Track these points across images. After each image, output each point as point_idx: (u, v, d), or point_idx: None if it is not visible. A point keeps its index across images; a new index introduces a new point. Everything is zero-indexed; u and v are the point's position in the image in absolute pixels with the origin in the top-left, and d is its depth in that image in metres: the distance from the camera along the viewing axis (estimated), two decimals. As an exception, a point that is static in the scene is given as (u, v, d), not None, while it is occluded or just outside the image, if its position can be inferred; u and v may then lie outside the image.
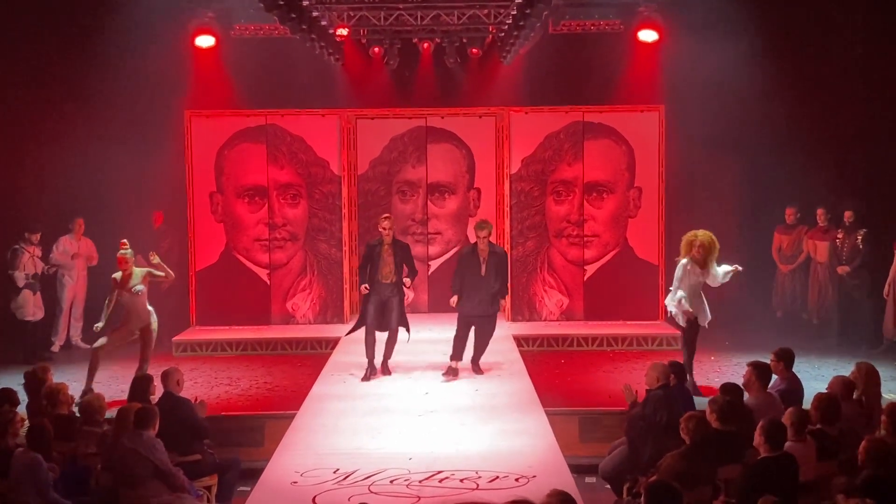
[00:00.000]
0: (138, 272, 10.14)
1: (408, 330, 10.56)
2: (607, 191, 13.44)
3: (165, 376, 8.05)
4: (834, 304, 12.75)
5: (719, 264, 10.09)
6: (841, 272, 12.54)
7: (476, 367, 10.54)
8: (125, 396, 8.53)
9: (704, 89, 13.37)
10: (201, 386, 10.63)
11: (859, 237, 12.43)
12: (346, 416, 8.89)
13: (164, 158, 13.57)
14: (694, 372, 10.17)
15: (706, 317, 10.15)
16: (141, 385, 8.07)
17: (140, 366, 10.18)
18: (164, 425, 7.24)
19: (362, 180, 14.11)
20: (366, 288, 10.39)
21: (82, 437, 7.48)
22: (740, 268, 10.13)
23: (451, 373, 10.32)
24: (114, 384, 10.64)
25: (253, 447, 9.05)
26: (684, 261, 10.07)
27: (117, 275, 10.13)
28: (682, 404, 7.68)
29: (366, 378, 10.29)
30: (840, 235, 12.59)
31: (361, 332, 10.54)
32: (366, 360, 10.45)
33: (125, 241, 10.27)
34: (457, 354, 10.42)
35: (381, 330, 10.48)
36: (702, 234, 10.05)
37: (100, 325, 10.18)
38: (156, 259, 10.28)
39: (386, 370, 10.50)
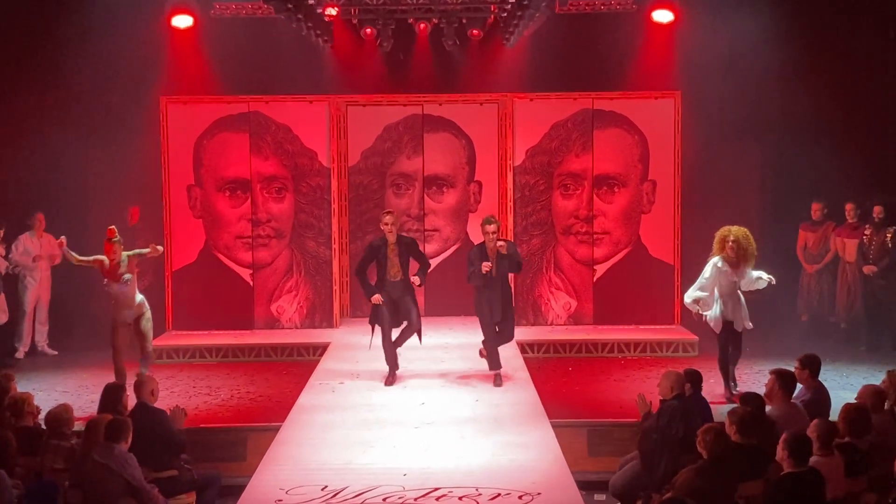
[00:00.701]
0: (125, 257, 10.23)
1: (420, 334, 10.65)
2: (619, 184, 13.46)
3: (139, 386, 8.06)
4: (863, 306, 12.75)
5: (755, 268, 10.12)
6: (867, 272, 12.55)
7: (497, 379, 10.45)
8: (96, 407, 8.52)
9: (724, 74, 13.40)
10: (178, 396, 10.64)
11: (889, 235, 12.43)
12: (335, 429, 8.89)
13: (137, 149, 13.55)
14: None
15: (743, 322, 10.19)
16: (112, 395, 8.07)
17: (143, 358, 10.29)
18: (137, 438, 7.24)
19: (353, 172, 14.12)
20: (380, 298, 10.41)
21: (49, 451, 7.48)
22: (773, 280, 10.16)
23: (499, 381, 10.40)
24: (84, 394, 10.65)
25: (234, 462, 9.07)
26: (716, 259, 10.10)
27: (102, 257, 10.22)
28: (700, 416, 7.70)
29: (389, 382, 10.42)
30: (868, 232, 12.60)
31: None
32: (378, 368, 10.60)
33: (113, 227, 10.35)
34: (494, 364, 10.50)
35: (397, 326, 10.57)
36: (736, 231, 10.09)
37: (70, 251, 10.38)
38: (161, 248, 10.62)
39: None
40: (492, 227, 10.33)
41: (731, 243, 10.02)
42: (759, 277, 10.12)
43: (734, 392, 10.07)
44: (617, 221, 13.49)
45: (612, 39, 13.99)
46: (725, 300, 10.15)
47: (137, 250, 10.43)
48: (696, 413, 7.70)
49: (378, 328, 10.52)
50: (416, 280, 10.52)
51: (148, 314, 10.52)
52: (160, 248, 10.68)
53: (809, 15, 13.50)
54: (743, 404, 7.48)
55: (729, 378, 10.27)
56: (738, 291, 10.21)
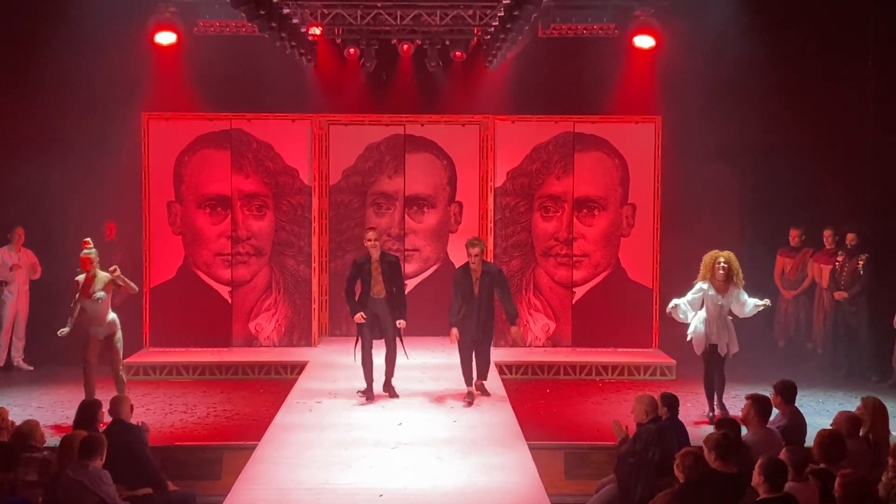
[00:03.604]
0: (102, 276, 10.13)
1: (402, 344, 10.72)
2: (599, 207, 13.51)
3: (115, 405, 8.01)
4: (834, 332, 12.81)
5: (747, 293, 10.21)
6: (838, 297, 12.60)
7: (482, 389, 10.72)
8: (70, 423, 8.47)
9: (704, 100, 13.49)
10: (154, 413, 10.57)
11: (860, 262, 12.50)
12: (311, 448, 8.86)
13: (117, 164, 13.51)
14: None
15: (728, 346, 10.25)
16: (88, 411, 8.01)
17: (116, 380, 10.15)
18: (112, 456, 7.19)
19: (334, 191, 14.12)
20: (362, 317, 10.51)
21: (21, 465, 7.41)
22: (769, 302, 10.30)
23: (469, 397, 10.49)
24: (59, 410, 10.57)
25: (209, 481, 9.00)
26: (702, 283, 10.22)
27: (80, 277, 10.13)
28: (677, 440, 7.71)
29: (366, 402, 10.46)
30: (840, 258, 12.67)
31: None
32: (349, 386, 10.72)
33: (88, 239, 10.26)
34: (468, 380, 10.66)
35: (378, 338, 10.66)
36: (726, 254, 10.25)
37: (65, 329, 10.12)
38: (118, 272, 10.23)
39: (391, 391, 10.69)
40: (475, 250, 10.46)
41: (722, 265, 10.12)
42: (756, 304, 10.19)
43: (711, 417, 10.09)
44: (596, 244, 13.53)
45: (593, 64, 14.08)
46: (711, 323, 10.21)
47: (115, 278, 10.19)
48: (672, 437, 7.71)
49: (360, 342, 10.64)
50: (401, 324, 10.59)
51: (119, 334, 10.30)
52: (135, 287, 10.48)
53: (789, 43, 13.62)
54: (718, 429, 7.50)
55: (713, 402, 10.28)
56: (727, 316, 10.26)
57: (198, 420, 10.42)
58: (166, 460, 8.28)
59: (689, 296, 10.28)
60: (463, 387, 10.72)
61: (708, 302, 10.19)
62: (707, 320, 10.22)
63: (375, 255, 10.56)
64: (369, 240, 10.54)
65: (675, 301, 10.31)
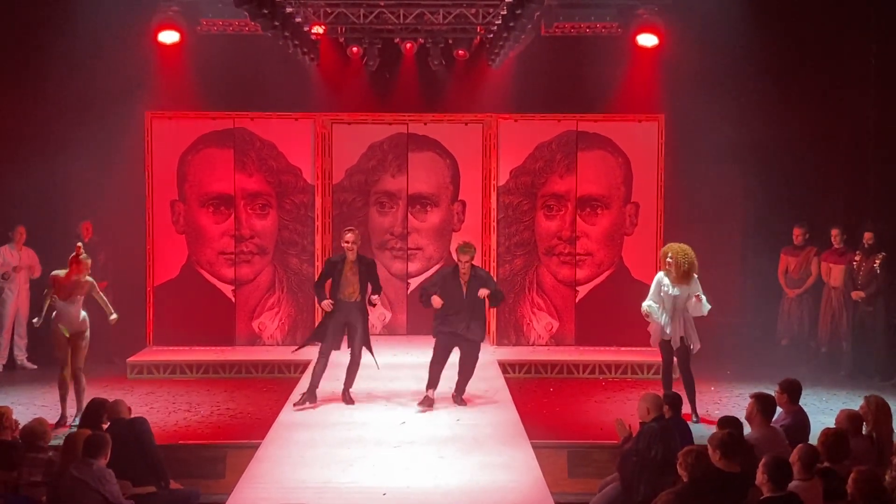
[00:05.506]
0: (91, 283, 10.10)
1: (371, 353, 10.45)
2: (602, 206, 13.51)
3: (113, 408, 8.02)
4: (847, 332, 12.78)
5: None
6: (855, 297, 12.57)
7: (458, 398, 10.45)
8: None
9: (708, 98, 13.48)
10: (158, 412, 10.58)
11: (877, 261, 12.47)
12: (315, 447, 8.86)
13: (120, 163, 13.52)
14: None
15: (687, 341, 10.18)
16: (94, 410, 8.01)
17: (76, 378, 10.11)
18: (117, 451, 7.21)
19: (337, 190, 14.13)
20: (330, 304, 10.29)
21: (26, 465, 7.43)
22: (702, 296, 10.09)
23: (427, 403, 10.20)
24: (57, 409, 10.55)
25: (213, 479, 9.01)
26: (658, 274, 10.28)
27: (60, 272, 10.02)
28: (680, 438, 7.71)
29: (300, 404, 10.16)
30: (857, 258, 12.63)
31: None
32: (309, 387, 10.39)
33: (80, 244, 10.22)
34: (433, 382, 10.30)
35: (337, 349, 10.44)
36: (675, 249, 10.16)
37: (39, 320, 10.15)
38: (100, 293, 10.24)
39: (348, 399, 10.43)
40: (465, 257, 10.20)
41: (668, 260, 10.11)
42: (698, 298, 10.03)
43: (695, 421, 10.05)
44: (600, 243, 13.53)
45: (596, 62, 14.06)
46: (665, 315, 10.20)
47: (100, 295, 10.19)
48: (675, 435, 7.71)
49: (314, 346, 10.42)
50: (374, 299, 10.41)
51: (87, 334, 10.17)
52: (114, 316, 10.37)
53: (793, 39, 13.61)
54: (721, 427, 7.49)
55: (692, 403, 10.22)
56: (685, 310, 10.18)
57: (201, 419, 10.43)
58: (170, 459, 8.26)
59: (650, 293, 10.28)
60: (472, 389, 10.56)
61: (663, 293, 10.17)
62: (665, 313, 10.20)
63: (352, 257, 10.26)
64: (347, 241, 10.23)
65: (644, 305, 10.30)
